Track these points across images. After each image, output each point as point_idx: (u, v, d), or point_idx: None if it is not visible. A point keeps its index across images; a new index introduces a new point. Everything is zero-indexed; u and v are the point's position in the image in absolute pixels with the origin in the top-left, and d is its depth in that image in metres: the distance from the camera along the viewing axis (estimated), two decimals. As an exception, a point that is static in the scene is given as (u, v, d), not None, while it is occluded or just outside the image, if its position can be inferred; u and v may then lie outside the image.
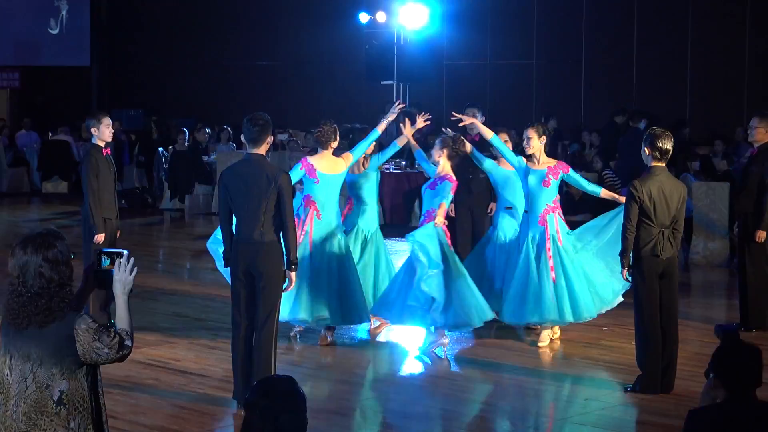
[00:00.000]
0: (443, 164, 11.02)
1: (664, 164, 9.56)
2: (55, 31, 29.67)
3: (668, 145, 9.49)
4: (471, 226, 13.72)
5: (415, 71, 24.30)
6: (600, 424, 9.11)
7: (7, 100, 28.60)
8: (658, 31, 22.52)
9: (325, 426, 8.75)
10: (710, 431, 4.98)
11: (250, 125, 9.00)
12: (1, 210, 22.71)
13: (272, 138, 9.24)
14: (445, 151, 11.01)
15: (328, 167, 10.99)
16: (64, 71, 29.85)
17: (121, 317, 5.22)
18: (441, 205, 10.79)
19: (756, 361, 5.06)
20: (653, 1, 22.58)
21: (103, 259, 5.23)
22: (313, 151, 11.41)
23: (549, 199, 11.06)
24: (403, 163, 20.23)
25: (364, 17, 24.49)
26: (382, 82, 24.60)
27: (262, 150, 9.02)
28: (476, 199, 13.68)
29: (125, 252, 5.24)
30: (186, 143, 22.41)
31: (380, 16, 24.15)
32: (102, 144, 11.49)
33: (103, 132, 11.48)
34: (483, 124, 13.48)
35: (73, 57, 29.84)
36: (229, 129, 23.83)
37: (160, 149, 23.09)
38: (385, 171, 20.00)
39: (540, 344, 11.15)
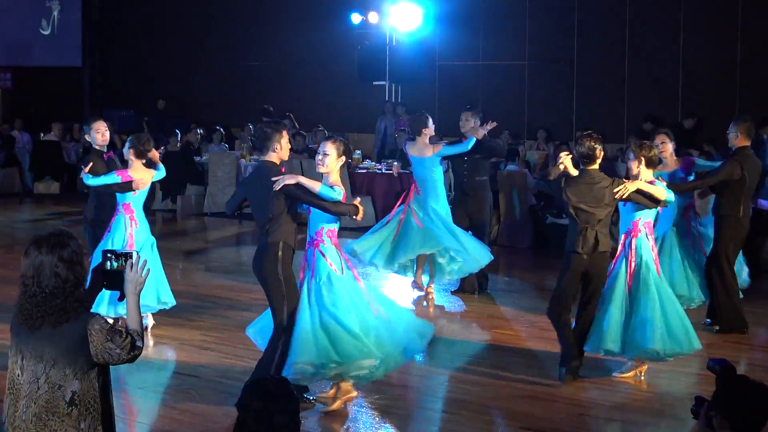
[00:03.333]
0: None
1: (594, 166, 9.76)
2: (47, 32, 29.66)
3: (583, 149, 9.76)
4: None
5: (407, 72, 24.39)
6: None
7: (-1, 100, 28.71)
8: (649, 31, 22.57)
9: (322, 428, 8.79)
10: None
11: (257, 131, 8.97)
12: (-8, 211, 22.71)
13: (280, 146, 8.95)
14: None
15: None
16: (56, 72, 29.84)
17: (133, 318, 5.24)
18: None
19: (766, 399, 4.86)
20: (645, 1, 22.63)
21: (110, 260, 5.26)
22: None
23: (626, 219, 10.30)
24: (396, 163, 20.20)
25: (356, 18, 24.54)
26: (374, 83, 24.70)
27: (271, 157, 8.91)
28: (473, 203, 13.69)
29: (135, 252, 5.29)
30: (178, 144, 22.41)
31: (372, 17, 24.21)
32: (100, 148, 11.63)
33: (96, 138, 11.63)
34: (477, 126, 13.54)
35: (65, 57, 29.82)
36: (221, 130, 23.86)
37: (152, 150, 23.06)
38: (377, 171, 20.04)
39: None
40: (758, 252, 15.27)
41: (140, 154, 11.40)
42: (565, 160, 10.07)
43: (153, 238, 11.83)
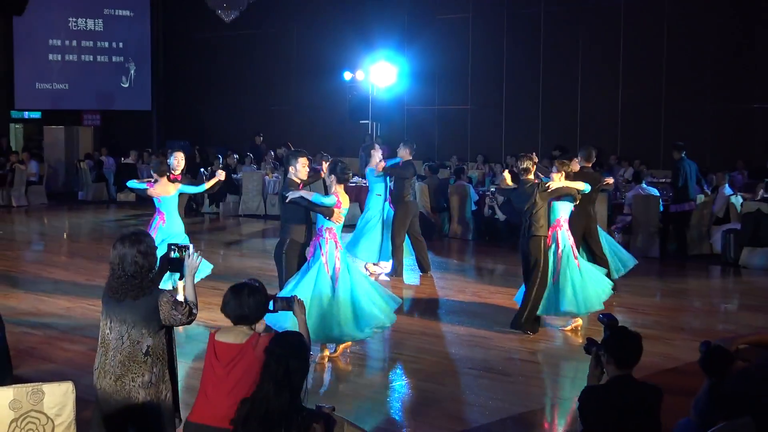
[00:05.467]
0: None
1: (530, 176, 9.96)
2: (126, 85, 29.63)
3: (525, 164, 9.94)
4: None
5: (384, 113, 24.52)
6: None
7: (91, 134, 28.59)
8: (555, 82, 22.59)
9: (313, 372, 8.76)
10: (603, 405, 4.92)
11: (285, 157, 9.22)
12: (87, 214, 22.65)
13: (295, 168, 9.07)
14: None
15: None
16: (132, 113, 29.86)
17: (189, 292, 5.29)
18: None
19: (640, 343, 5.03)
20: (552, 59, 22.68)
21: (173, 251, 5.29)
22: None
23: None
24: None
25: (347, 75, 24.60)
26: (360, 122, 24.74)
27: (290, 175, 9.03)
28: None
29: (191, 246, 5.31)
30: (220, 165, 22.33)
31: (359, 75, 24.31)
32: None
33: (173, 164, 11.39)
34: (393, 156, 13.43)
35: (139, 103, 29.87)
36: (251, 155, 23.89)
37: (201, 169, 23.02)
38: (363, 185, 20.02)
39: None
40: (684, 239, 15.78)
41: (161, 173, 11.23)
42: (506, 177, 10.24)
43: (186, 236, 11.21)
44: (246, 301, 4.94)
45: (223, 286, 12.01)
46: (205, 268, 11.09)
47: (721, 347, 5.18)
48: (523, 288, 10.17)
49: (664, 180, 16.86)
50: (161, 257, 5.34)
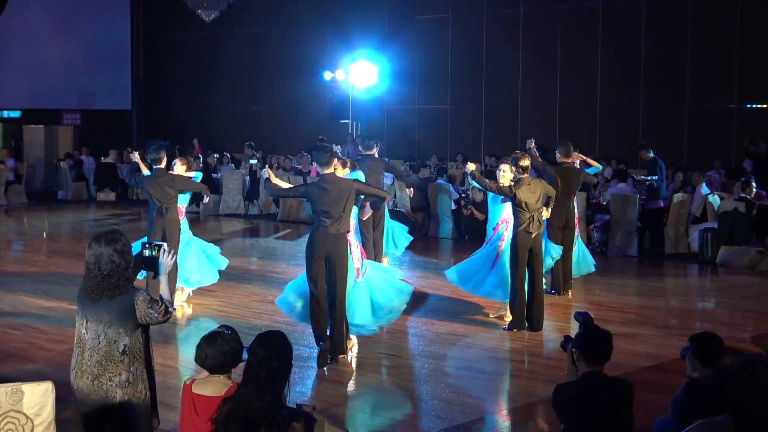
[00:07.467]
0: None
1: (527, 175, 10.03)
2: (106, 84, 29.50)
3: (526, 162, 10.04)
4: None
5: (363, 113, 24.51)
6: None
7: (71, 133, 28.43)
8: (535, 84, 22.66)
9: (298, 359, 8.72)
10: (574, 401, 4.97)
11: (321, 152, 8.61)
12: (66, 213, 22.51)
13: (336, 160, 8.82)
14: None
15: None
16: (112, 113, 29.72)
17: (164, 290, 5.24)
18: None
19: (610, 341, 5.08)
20: (532, 61, 22.73)
21: (148, 249, 5.24)
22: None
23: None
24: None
25: (327, 75, 24.58)
26: (340, 121, 24.72)
27: (331, 169, 8.67)
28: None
29: (164, 244, 5.26)
30: (200, 164, 22.26)
31: (339, 74, 24.31)
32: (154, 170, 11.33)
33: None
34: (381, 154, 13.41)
35: (119, 102, 29.75)
36: (229, 155, 23.87)
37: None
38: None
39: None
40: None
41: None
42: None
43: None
44: (221, 350, 4.91)
45: (202, 285, 12.02)
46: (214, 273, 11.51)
47: (716, 335, 5.23)
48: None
49: (646, 179, 16.89)
50: (135, 255, 5.31)
